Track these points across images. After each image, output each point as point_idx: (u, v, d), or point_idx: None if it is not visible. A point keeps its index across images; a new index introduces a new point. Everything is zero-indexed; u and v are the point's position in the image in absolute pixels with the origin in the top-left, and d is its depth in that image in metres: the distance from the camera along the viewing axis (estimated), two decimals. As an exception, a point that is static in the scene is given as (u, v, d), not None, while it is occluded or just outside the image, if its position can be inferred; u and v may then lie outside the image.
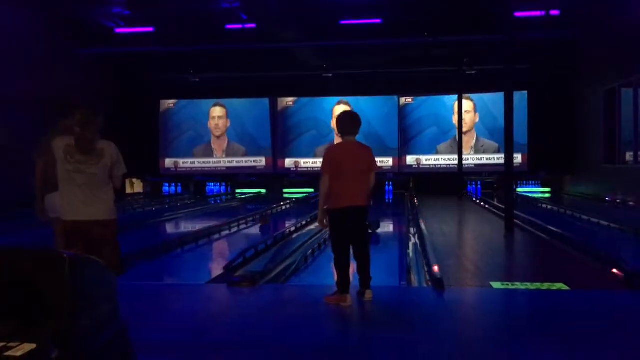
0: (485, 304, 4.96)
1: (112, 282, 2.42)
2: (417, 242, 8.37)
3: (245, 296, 5.12)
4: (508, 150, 9.55)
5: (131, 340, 2.44)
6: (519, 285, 5.53)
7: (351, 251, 4.76)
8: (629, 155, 15.32)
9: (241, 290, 5.23)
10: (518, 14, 15.44)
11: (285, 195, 19.98)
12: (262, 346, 3.72)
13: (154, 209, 15.66)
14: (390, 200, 18.90)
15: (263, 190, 21.64)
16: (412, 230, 9.63)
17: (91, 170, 3.99)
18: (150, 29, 17.42)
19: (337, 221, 4.72)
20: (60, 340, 1.95)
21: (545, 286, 5.45)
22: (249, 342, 3.81)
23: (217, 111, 22.25)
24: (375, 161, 4.87)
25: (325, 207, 4.76)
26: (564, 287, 5.39)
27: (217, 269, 7.05)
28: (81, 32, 17.50)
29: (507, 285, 5.56)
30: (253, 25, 16.91)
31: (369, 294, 4.72)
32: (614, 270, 6.07)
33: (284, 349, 3.66)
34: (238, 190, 21.86)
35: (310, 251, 7.65)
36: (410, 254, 7.29)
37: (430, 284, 5.60)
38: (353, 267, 4.78)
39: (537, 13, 16.16)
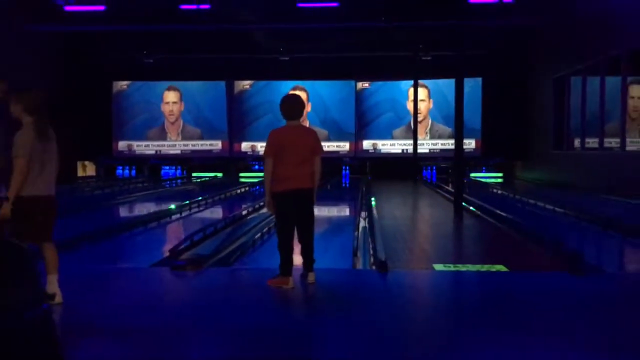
0: (426, 286, 5.06)
1: (34, 266, 2.38)
2: (367, 225, 8.44)
3: (189, 280, 5.09)
4: (458, 135, 9.69)
5: (56, 324, 2.40)
6: (460, 267, 5.66)
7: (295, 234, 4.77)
8: (577, 142, 15.75)
9: (185, 274, 5.19)
10: (473, 0, 15.65)
11: (242, 180, 19.86)
12: (201, 329, 3.71)
13: (106, 192, 15.35)
14: (347, 185, 19.00)
15: (219, 174, 21.45)
16: (363, 214, 9.70)
17: (53, 150, 4.28)
18: (101, 8, 16.93)
19: (281, 204, 4.72)
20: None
21: (485, 268, 5.59)
22: (188, 325, 3.79)
23: (170, 96, 21.77)
24: (319, 145, 4.87)
25: (271, 190, 4.76)
26: (503, 269, 5.54)
27: (164, 253, 6.96)
28: (29, 9, 16.89)
29: (449, 267, 5.68)
30: (207, 6, 16.61)
31: (311, 277, 4.76)
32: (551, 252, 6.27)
33: (225, 332, 3.66)
34: (194, 174, 21.62)
35: (259, 234, 7.64)
36: (359, 237, 7.35)
37: (374, 267, 5.67)
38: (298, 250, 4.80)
39: (492, 0, 16.39)
